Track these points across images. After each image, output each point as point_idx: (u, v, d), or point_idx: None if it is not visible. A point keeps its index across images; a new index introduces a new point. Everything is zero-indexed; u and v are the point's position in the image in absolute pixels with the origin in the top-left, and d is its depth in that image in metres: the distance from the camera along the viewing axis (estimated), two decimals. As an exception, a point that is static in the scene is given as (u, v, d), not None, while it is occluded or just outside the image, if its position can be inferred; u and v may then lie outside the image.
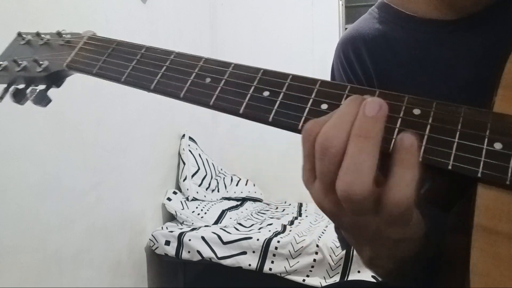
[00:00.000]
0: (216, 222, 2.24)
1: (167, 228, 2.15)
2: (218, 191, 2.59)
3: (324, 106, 0.40)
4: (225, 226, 2.19)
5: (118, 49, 0.55)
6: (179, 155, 2.49)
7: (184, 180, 2.37)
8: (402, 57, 0.60)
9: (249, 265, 1.95)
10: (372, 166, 0.33)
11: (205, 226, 2.18)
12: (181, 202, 2.29)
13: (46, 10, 1.48)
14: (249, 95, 0.44)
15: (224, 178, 2.71)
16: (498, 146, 0.35)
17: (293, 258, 1.92)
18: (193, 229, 2.12)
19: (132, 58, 0.53)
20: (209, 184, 2.52)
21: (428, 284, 0.61)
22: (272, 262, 1.93)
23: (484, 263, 0.34)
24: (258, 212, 2.56)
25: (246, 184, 2.79)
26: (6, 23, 1.26)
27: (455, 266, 0.44)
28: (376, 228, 0.37)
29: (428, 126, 0.37)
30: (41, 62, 0.59)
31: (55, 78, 0.60)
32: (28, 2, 1.40)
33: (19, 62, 0.60)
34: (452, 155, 0.35)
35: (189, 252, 2.02)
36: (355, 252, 1.77)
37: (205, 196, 2.42)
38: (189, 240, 2.02)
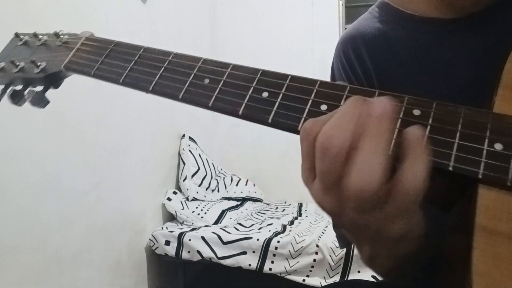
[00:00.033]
0: (216, 222, 2.24)
1: (167, 228, 2.15)
2: (218, 191, 2.59)
3: (323, 107, 0.40)
4: (225, 226, 2.19)
5: (116, 50, 0.54)
6: (179, 155, 2.49)
7: (184, 180, 2.37)
8: (402, 57, 0.60)
9: (249, 265, 1.95)
10: (383, 163, 0.33)
11: (205, 226, 2.18)
12: (181, 202, 2.29)
13: (46, 10, 1.48)
14: (248, 96, 0.44)
15: (224, 178, 2.71)
16: (498, 146, 0.35)
17: (293, 258, 1.92)
18: (193, 229, 2.12)
19: (130, 59, 0.52)
20: (209, 184, 2.52)
21: (428, 284, 0.61)
22: (272, 262, 1.93)
23: (485, 264, 0.34)
24: (258, 212, 2.56)
25: (246, 184, 2.79)
26: (6, 23, 1.26)
27: (455, 266, 0.44)
28: (377, 228, 0.37)
29: (428, 127, 0.36)
30: (38, 63, 0.58)
31: (53, 79, 0.60)
32: (28, 2, 1.40)
33: (17, 63, 0.60)
34: (452, 156, 0.35)
35: (189, 252, 2.02)
36: (355, 252, 1.80)
37: (205, 196, 2.42)
38: (189, 240, 2.02)
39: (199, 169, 2.46)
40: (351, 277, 1.83)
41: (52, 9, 1.51)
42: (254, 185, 2.84)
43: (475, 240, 0.35)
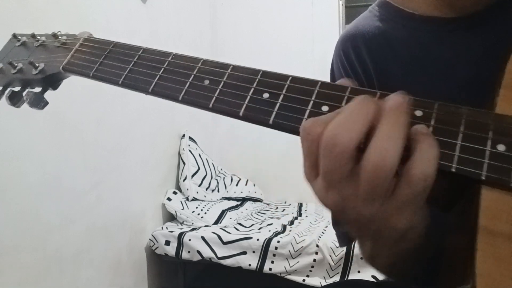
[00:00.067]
0: (216, 222, 2.24)
1: (167, 228, 2.15)
2: (218, 191, 2.59)
3: (324, 108, 0.40)
4: (225, 226, 2.19)
5: (115, 51, 0.54)
6: (179, 155, 2.49)
7: (184, 180, 2.37)
8: (402, 56, 0.60)
9: (249, 265, 1.95)
10: (400, 145, 0.33)
11: (205, 226, 2.18)
12: (181, 202, 2.29)
13: (46, 10, 1.48)
14: (248, 97, 0.43)
15: (224, 178, 2.71)
16: (501, 148, 0.34)
17: (293, 258, 1.92)
18: (193, 229, 2.12)
19: (129, 60, 0.52)
20: (209, 184, 2.52)
21: (428, 284, 0.61)
22: (272, 262, 1.93)
23: (488, 265, 0.34)
24: (258, 212, 2.56)
25: (246, 184, 2.79)
26: (6, 23, 1.26)
27: (455, 266, 0.44)
28: (380, 223, 0.37)
29: (430, 128, 0.36)
30: (37, 65, 0.58)
31: (52, 81, 0.60)
32: (28, 2, 1.40)
33: (15, 64, 0.59)
34: (455, 157, 0.35)
35: (189, 252, 2.02)
36: (355, 252, 1.79)
37: (205, 196, 2.41)
38: (189, 240, 2.02)
39: (199, 169, 2.46)
40: (351, 277, 1.83)
41: (52, 9, 1.50)
42: (254, 185, 2.84)
43: (478, 241, 0.35)
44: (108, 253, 1.85)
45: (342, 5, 2.90)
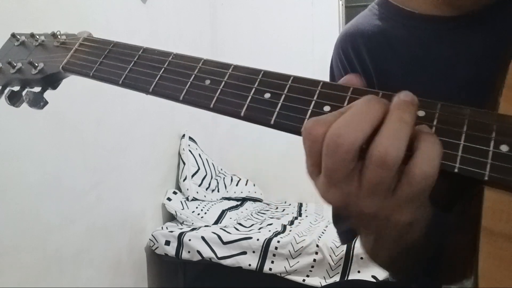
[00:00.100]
0: (216, 222, 2.24)
1: (167, 228, 2.15)
2: (218, 191, 2.59)
3: (326, 108, 0.40)
4: (225, 226, 2.19)
5: (115, 51, 0.54)
6: (179, 155, 2.48)
7: (184, 180, 2.37)
8: (401, 55, 0.60)
9: (249, 265, 1.95)
10: (407, 137, 0.33)
11: (205, 226, 2.18)
12: (181, 202, 2.29)
13: (46, 10, 1.48)
14: (250, 97, 0.43)
15: (224, 178, 2.71)
16: (504, 148, 0.34)
17: (293, 258, 1.92)
18: (193, 229, 2.12)
19: (129, 60, 0.52)
20: (209, 184, 2.52)
21: (428, 284, 0.61)
22: (272, 262, 1.93)
23: (491, 266, 0.34)
24: (258, 212, 2.56)
25: (246, 184, 2.79)
26: (6, 23, 1.26)
27: (455, 266, 0.44)
28: (382, 219, 0.38)
29: (433, 128, 0.36)
30: (36, 64, 0.58)
31: (51, 80, 0.59)
32: (28, 2, 1.40)
33: (14, 64, 0.59)
34: (458, 158, 0.35)
35: (189, 252, 2.02)
36: (355, 252, 1.79)
37: (205, 196, 2.41)
38: (189, 240, 2.02)
39: (199, 169, 2.46)
40: (351, 277, 1.83)
41: (52, 9, 1.50)
42: (254, 185, 2.84)
43: (481, 242, 0.35)
44: (108, 253, 1.84)
45: (342, 5, 2.90)
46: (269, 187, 2.93)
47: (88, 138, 1.70)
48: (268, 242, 1.96)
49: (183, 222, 2.24)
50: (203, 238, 2.02)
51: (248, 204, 2.68)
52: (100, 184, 1.77)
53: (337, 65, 0.68)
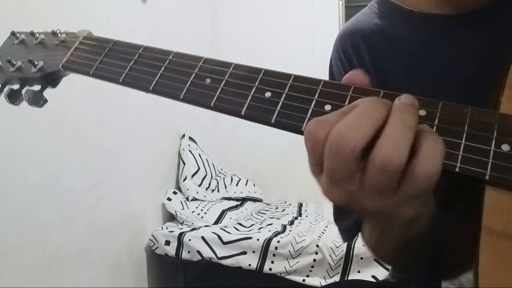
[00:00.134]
0: (216, 222, 2.24)
1: (167, 228, 2.14)
2: (218, 191, 2.59)
3: (327, 107, 0.40)
4: (225, 226, 2.19)
5: (115, 49, 0.54)
6: (179, 155, 2.48)
7: (184, 180, 2.37)
8: (401, 54, 0.60)
9: (249, 265, 1.95)
10: (410, 138, 0.33)
11: (205, 226, 2.18)
12: (181, 202, 2.29)
13: (46, 10, 1.47)
14: (250, 96, 0.43)
15: (224, 178, 2.71)
16: (505, 148, 0.34)
17: (293, 258, 1.92)
18: (193, 229, 2.11)
19: (129, 59, 0.52)
20: (209, 184, 2.52)
21: (428, 284, 0.61)
22: (272, 262, 1.93)
23: (492, 266, 0.34)
24: (258, 212, 2.56)
25: (246, 184, 2.79)
26: (6, 22, 1.26)
27: (456, 265, 0.44)
28: (385, 214, 0.38)
29: (434, 128, 0.36)
30: (36, 63, 0.58)
31: (51, 79, 0.59)
32: (28, 2, 1.40)
33: (14, 62, 0.59)
34: (459, 157, 0.35)
35: (189, 252, 2.02)
36: (355, 252, 1.79)
37: (205, 196, 2.41)
38: (189, 240, 2.02)
39: (199, 169, 2.46)
40: (351, 277, 1.83)
41: (52, 9, 1.50)
42: (254, 185, 2.84)
43: (482, 242, 0.35)
44: (108, 253, 1.84)
45: (342, 5, 2.90)
46: (269, 187, 2.93)
47: (88, 138, 1.70)
48: (268, 242, 1.96)
49: (183, 222, 2.24)
50: (203, 238, 2.02)
51: (248, 204, 2.68)
52: (100, 184, 1.77)
53: (336, 64, 0.67)
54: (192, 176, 2.39)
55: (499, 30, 0.54)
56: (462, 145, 0.35)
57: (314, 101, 0.40)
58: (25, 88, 0.60)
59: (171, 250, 2.04)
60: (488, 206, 0.35)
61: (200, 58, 0.48)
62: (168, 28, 2.40)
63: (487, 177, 0.34)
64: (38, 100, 0.59)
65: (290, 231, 2.11)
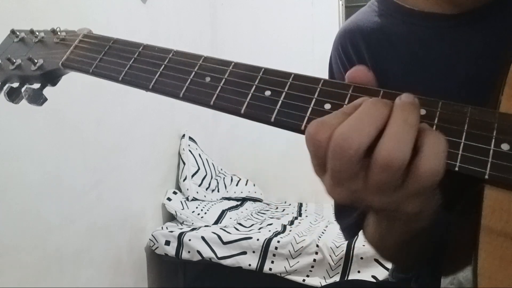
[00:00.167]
0: (216, 222, 2.24)
1: (167, 228, 2.14)
2: (218, 191, 2.59)
3: (327, 106, 0.40)
4: (225, 226, 2.19)
5: (115, 47, 0.54)
6: (179, 155, 2.48)
7: (184, 180, 2.37)
8: (401, 53, 0.59)
9: (249, 265, 1.95)
10: (413, 136, 0.33)
11: (205, 226, 2.18)
12: (181, 202, 2.29)
13: (46, 10, 1.48)
14: (250, 94, 0.43)
15: (224, 178, 2.71)
16: (505, 147, 0.34)
17: (293, 258, 1.91)
18: (193, 229, 2.11)
19: (129, 57, 0.52)
20: (209, 184, 2.52)
21: (428, 284, 0.61)
22: (272, 262, 1.93)
23: (491, 265, 0.34)
24: (258, 212, 2.56)
25: (246, 184, 2.79)
26: (6, 22, 1.26)
27: (456, 266, 0.44)
28: (390, 210, 0.38)
29: (434, 127, 0.36)
30: (36, 61, 0.58)
31: (51, 77, 0.59)
32: (28, 2, 1.40)
33: (13, 60, 0.59)
34: (458, 156, 0.35)
35: (189, 252, 2.02)
36: (355, 252, 1.79)
37: (205, 196, 2.41)
38: (189, 240, 2.02)
39: (199, 169, 2.46)
40: (351, 277, 1.82)
41: (52, 9, 1.50)
42: (254, 185, 2.84)
43: (481, 241, 0.35)
44: (108, 253, 1.84)
45: (342, 5, 2.90)
46: (269, 187, 2.93)
47: (88, 138, 1.70)
48: (268, 242, 1.96)
49: (183, 222, 2.23)
50: (203, 238, 2.02)
51: (248, 204, 2.68)
52: (100, 184, 1.77)
53: (336, 62, 0.67)
54: (192, 176, 2.39)
55: (499, 29, 0.54)
56: (462, 144, 0.35)
57: (314, 100, 0.40)
58: (25, 86, 0.60)
59: (171, 250, 2.04)
60: (488, 205, 0.35)
61: (200, 56, 0.48)
62: (168, 28, 2.40)
63: (486, 177, 0.34)
64: (37, 98, 0.59)
65: (290, 231, 2.11)
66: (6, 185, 1.32)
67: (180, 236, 2.04)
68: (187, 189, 2.34)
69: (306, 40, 2.86)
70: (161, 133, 2.33)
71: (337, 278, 1.85)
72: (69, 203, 1.59)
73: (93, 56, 0.54)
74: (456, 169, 0.34)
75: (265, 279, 1.97)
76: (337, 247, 1.86)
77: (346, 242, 1.85)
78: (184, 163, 2.42)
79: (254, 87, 0.43)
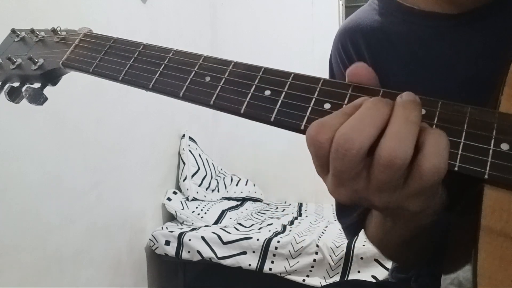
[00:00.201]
0: (216, 222, 2.24)
1: (167, 228, 2.14)
2: (218, 191, 2.59)
3: (327, 106, 0.40)
4: (225, 226, 2.19)
5: (115, 47, 0.54)
6: (179, 155, 2.48)
7: (184, 180, 2.37)
8: (401, 52, 0.59)
9: (249, 265, 1.95)
10: (415, 134, 0.33)
11: (205, 226, 2.18)
12: (181, 202, 2.29)
13: (46, 10, 1.48)
14: (250, 94, 0.43)
15: (224, 178, 2.71)
16: (505, 147, 0.34)
17: (293, 258, 1.91)
18: (193, 229, 2.11)
19: (129, 56, 0.52)
20: (209, 184, 2.52)
21: (428, 284, 0.61)
22: (272, 262, 1.93)
23: (490, 265, 0.34)
24: (258, 212, 2.56)
25: (246, 184, 2.79)
26: (6, 22, 1.26)
27: (456, 266, 0.44)
28: (393, 208, 0.38)
29: (434, 126, 0.36)
30: (36, 60, 0.58)
31: (51, 76, 0.59)
32: (29, 2, 1.40)
33: (14, 60, 0.59)
34: (458, 156, 0.35)
35: (189, 252, 2.02)
36: (355, 252, 1.79)
37: (205, 196, 2.41)
38: (189, 240, 2.02)
39: (199, 169, 2.46)
40: (351, 277, 1.82)
41: (52, 9, 1.50)
42: (254, 185, 2.84)
43: (480, 241, 0.34)
44: (108, 253, 1.84)
45: (342, 5, 2.90)
46: (269, 187, 2.93)
47: (88, 137, 1.70)
48: (268, 242, 1.96)
49: (183, 222, 2.23)
50: (203, 238, 2.02)
51: (248, 204, 2.68)
52: (100, 184, 1.77)
53: (336, 61, 0.67)
54: (192, 176, 2.39)
55: (499, 29, 0.54)
56: (461, 144, 0.35)
57: (313, 99, 0.40)
58: (25, 86, 0.60)
59: (171, 250, 2.04)
60: (487, 205, 0.35)
61: (200, 56, 0.48)
62: (168, 28, 2.40)
63: (486, 176, 0.34)
64: (38, 98, 0.59)
65: (290, 231, 2.11)
66: (6, 185, 1.32)
67: (180, 236, 2.04)
68: (187, 189, 2.34)
69: (306, 40, 2.86)
70: (161, 133, 2.33)
71: (337, 278, 1.85)
72: (69, 203, 1.59)
73: (94, 56, 0.54)
74: (456, 169, 0.34)
75: (265, 279, 1.97)
76: (337, 247, 1.86)
77: (346, 242, 1.85)
78: (184, 163, 2.42)
79: (254, 86, 0.43)
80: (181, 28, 2.56)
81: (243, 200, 2.70)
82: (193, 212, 2.24)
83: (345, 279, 1.82)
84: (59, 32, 0.60)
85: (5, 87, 0.59)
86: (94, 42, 0.55)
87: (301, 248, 1.91)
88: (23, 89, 0.59)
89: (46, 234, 1.48)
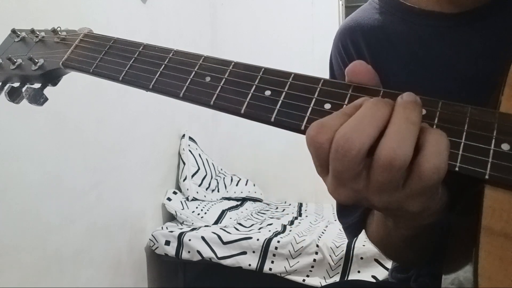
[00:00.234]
0: (216, 222, 2.24)
1: (167, 228, 2.14)
2: (218, 191, 2.59)
3: (327, 106, 0.40)
4: (225, 226, 2.19)
5: (115, 47, 0.54)
6: (179, 155, 2.48)
7: (184, 180, 2.37)
8: (401, 52, 0.59)
9: (249, 265, 1.95)
10: (415, 135, 0.33)
11: (205, 226, 2.18)
12: (181, 202, 2.29)
13: (46, 10, 1.48)
14: (250, 94, 0.43)
15: (224, 178, 2.71)
16: (505, 147, 0.34)
17: (293, 258, 1.91)
18: (193, 229, 2.11)
19: (130, 56, 0.52)
20: (209, 184, 2.52)
21: (428, 284, 0.61)
22: (272, 262, 1.93)
23: (491, 266, 0.34)
24: (258, 212, 2.56)
25: (246, 184, 2.79)
26: (6, 23, 1.26)
27: (456, 266, 0.44)
28: (397, 207, 0.38)
29: (434, 127, 0.36)
30: (36, 60, 0.58)
31: (51, 77, 0.59)
32: (29, 2, 1.40)
33: (14, 60, 0.59)
34: (459, 156, 0.34)
35: (189, 252, 2.02)
36: (355, 252, 1.79)
37: (205, 196, 2.41)
38: (189, 240, 2.02)
39: (199, 169, 2.46)
40: (351, 277, 1.82)
41: (52, 9, 1.50)
42: (254, 185, 2.84)
43: (481, 241, 0.34)
44: (108, 253, 1.84)
45: (342, 5, 2.90)
46: (269, 187, 2.93)
47: (88, 137, 1.70)
48: (268, 242, 1.96)
49: (183, 222, 2.23)
50: (203, 238, 2.02)
51: (248, 204, 2.68)
52: (100, 184, 1.77)
53: (336, 60, 0.67)
54: (192, 176, 2.39)
55: (499, 29, 0.54)
56: (462, 144, 0.35)
57: (314, 99, 0.40)
58: (26, 86, 0.60)
59: (171, 250, 2.04)
60: (488, 205, 0.35)
61: (200, 56, 0.48)
62: (168, 28, 2.40)
63: (487, 177, 0.34)
64: (38, 98, 0.59)
65: (290, 231, 2.11)
66: (6, 185, 1.32)
67: (180, 236, 2.04)
68: (187, 189, 2.34)
69: (306, 40, 2.86)
70: (161, 133, 2.33)
71: (337, 278, 1.85)
72: (69, 203, 1.59)
73: (94, 56, 0.54)
74: (456, 169, 0.34)
75: (265, 279, 1.97)
76: (337, 247, 1.86)
77: (346, 242, 1.85)
78: (184, 163, 2.42)
79: (254, 87, 0.43)
80: (181, 28, 2.56)
81: (243, 200, 2.70)
82: (193, 212, 2.24)
83: (345, 279, 1.82)
84: (59, 32, 0.60)
85: (6, 87, 0.59)
86: (94, 42, 0.55)
87: (301, 248, 1.91)
88: (24, 89, 0.59)
89: (46, 234, 1.48)
